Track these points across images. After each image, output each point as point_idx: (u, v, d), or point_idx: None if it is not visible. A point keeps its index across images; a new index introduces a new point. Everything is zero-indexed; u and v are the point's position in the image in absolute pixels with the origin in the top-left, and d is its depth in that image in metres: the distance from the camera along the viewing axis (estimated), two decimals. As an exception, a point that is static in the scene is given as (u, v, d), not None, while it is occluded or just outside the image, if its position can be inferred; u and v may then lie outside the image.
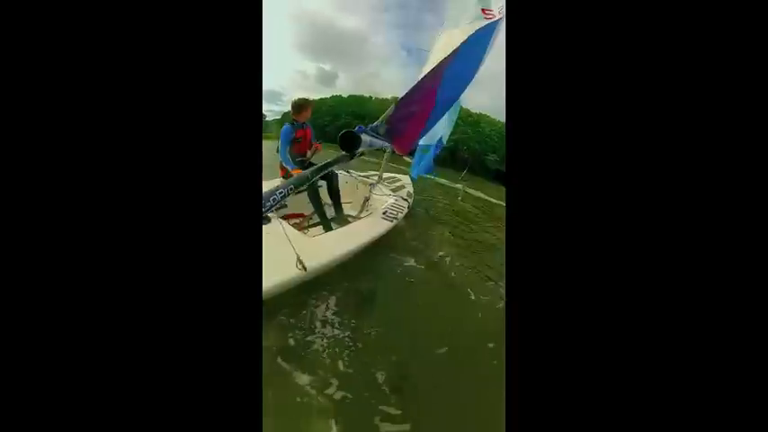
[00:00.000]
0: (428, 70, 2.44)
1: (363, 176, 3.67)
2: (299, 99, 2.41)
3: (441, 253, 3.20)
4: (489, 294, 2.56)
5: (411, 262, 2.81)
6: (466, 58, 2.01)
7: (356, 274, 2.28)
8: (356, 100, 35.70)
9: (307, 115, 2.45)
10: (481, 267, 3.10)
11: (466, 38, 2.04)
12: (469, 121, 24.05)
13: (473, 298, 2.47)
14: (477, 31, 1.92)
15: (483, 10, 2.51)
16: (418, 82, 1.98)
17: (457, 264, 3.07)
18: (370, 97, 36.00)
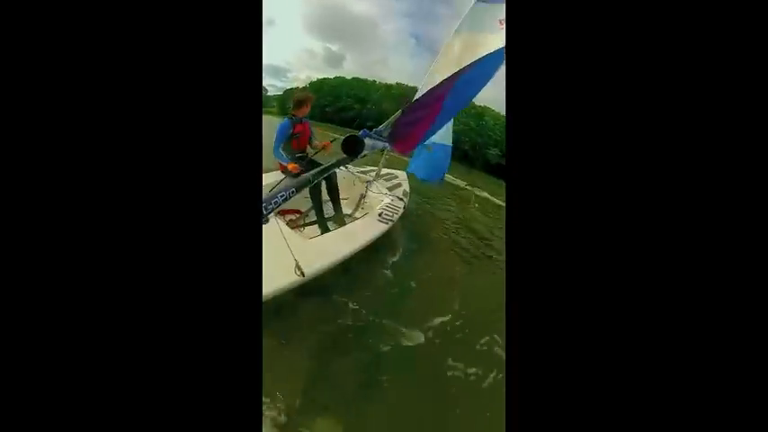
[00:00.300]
0: (435, 70, 2.42)
1: (361, 172, 3.53)
2: (300, 94, 2.36)
3: (442, 319, 2.06)
4: (487, 366, 1.69)
5: (410, 338, 1.80)
6: (477, 73, 2.03)
7: (313, 375, 1.45)
8: (359, 83, 35.20)
9: (306, 111, 2.36)
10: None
11: (482, 47, 2.01)
12: (472, 114, 23.88)
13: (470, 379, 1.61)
14: (494, 52, 1.94)
15: (500, 21, 2.47)
16: (429, 90, 1.95)
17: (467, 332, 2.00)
18: (374, 81, 35.57)
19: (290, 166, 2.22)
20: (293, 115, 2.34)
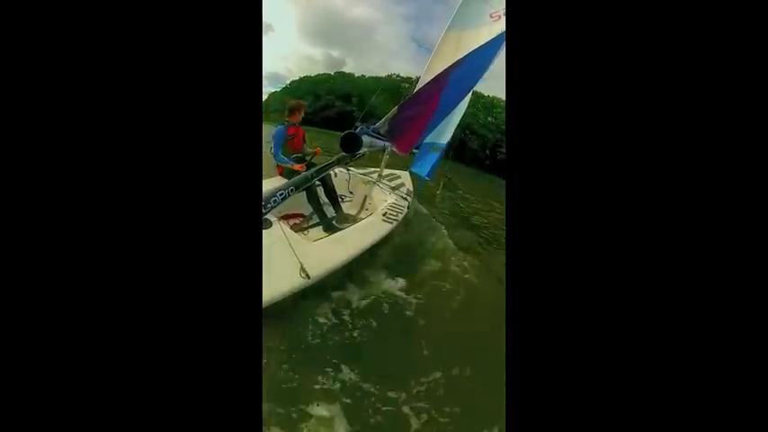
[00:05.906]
0: (428, 69, 2.67)
1: (363, 174, 3.43)
2: (293, 103, 2.58)
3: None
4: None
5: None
6: (473, 64, 1.99)
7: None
8: (344, 78, 32.86)
9: (299, 117, 2.54)
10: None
11: (476, 44, 2.03)
12: (482, 105, 20.17)
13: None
14: (489, 42, 1.90)
15: (491, 14, 2.57)
16: (424, 85, 1.97)
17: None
18: (363, 76, 32.74)
19: (298, 166, 2.36)
20: (287, 121, 2.49)
